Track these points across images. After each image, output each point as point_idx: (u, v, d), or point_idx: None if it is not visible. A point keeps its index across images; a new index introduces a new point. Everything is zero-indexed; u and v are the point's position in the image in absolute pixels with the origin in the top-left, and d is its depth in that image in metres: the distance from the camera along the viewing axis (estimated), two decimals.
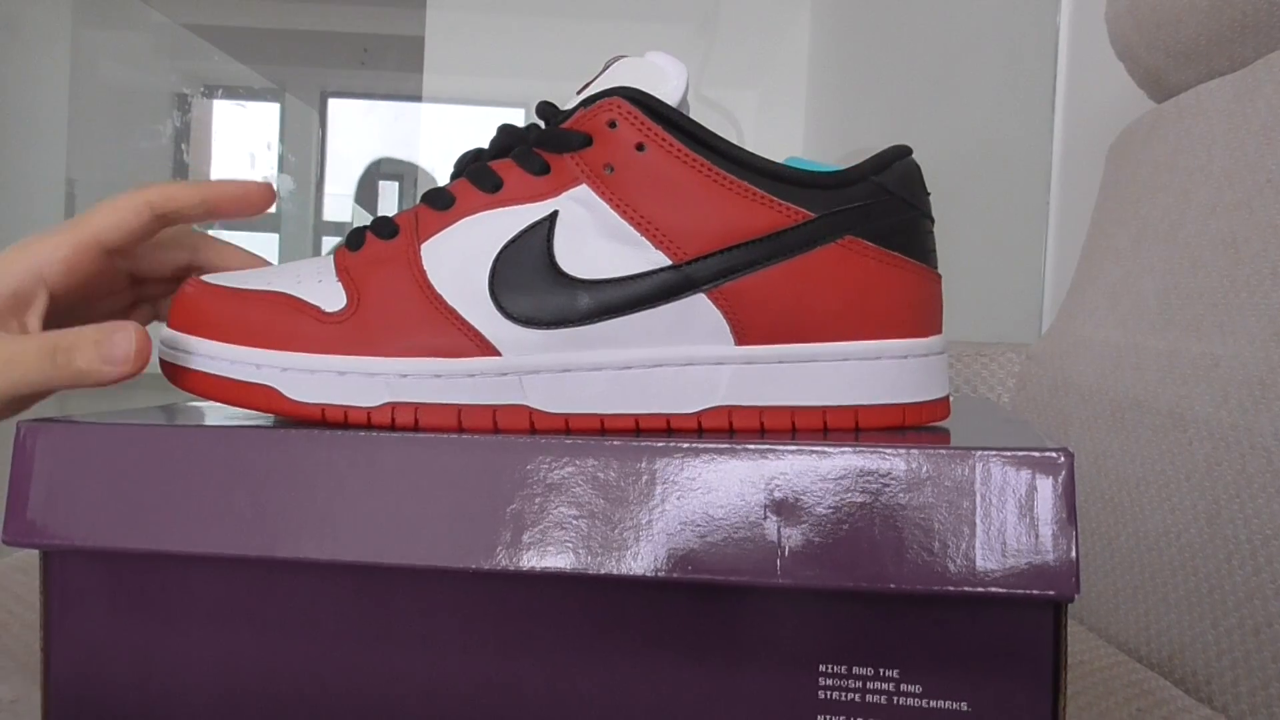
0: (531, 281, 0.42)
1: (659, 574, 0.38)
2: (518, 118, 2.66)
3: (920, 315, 0.44)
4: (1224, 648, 0.57)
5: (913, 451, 0.36)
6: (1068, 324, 0.91)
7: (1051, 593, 0.35)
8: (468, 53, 2.41)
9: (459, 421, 0.42)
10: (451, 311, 0.43)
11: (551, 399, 0.42)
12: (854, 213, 0.43)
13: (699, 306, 0.42)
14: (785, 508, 0.37)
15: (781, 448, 0.37)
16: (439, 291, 0.43)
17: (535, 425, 0.42)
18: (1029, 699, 0.37)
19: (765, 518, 0.37)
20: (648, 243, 0.42)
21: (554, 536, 0.39)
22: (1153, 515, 0.66)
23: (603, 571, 0.38)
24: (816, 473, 0.37)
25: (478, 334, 0.42)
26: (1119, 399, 0.73)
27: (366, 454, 0.40)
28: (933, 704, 0.37)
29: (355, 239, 0.46)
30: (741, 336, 0.42)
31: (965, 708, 0.37)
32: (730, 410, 0.43)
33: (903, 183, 0.44)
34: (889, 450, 0.37)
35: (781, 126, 2.20)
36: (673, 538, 0.38)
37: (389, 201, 3.32)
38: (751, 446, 0.38)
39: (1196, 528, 0.61)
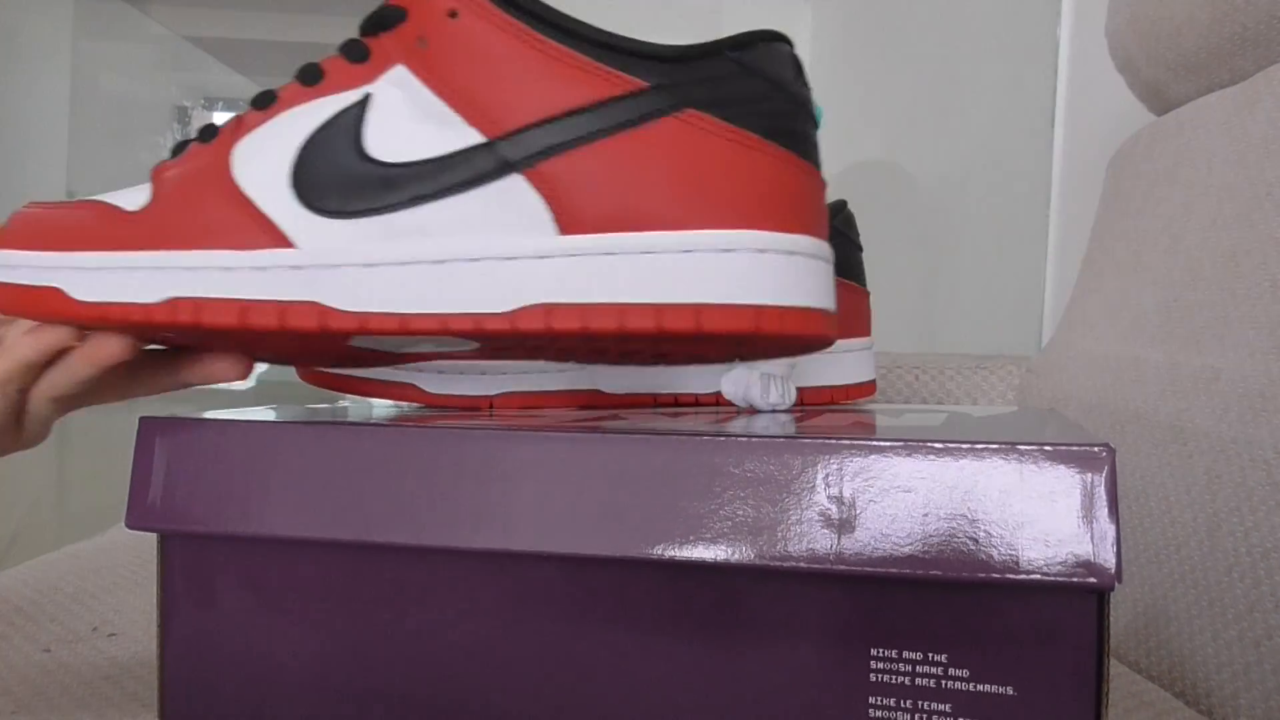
0: (337, 170, 0.40)
1: (720, 560, 0.38)
2: None
3: (783, 206, 0.39)
4: (1224, 660, 0.57)
5: (961, 446, 0.37)
6: (1068, 337, 0.91)
7: (1093, 580, 0.35)
8: None
9: (244, 319, 0.40)
10: (247, 202, 0.40)
11: (349, 297, 0.39)
12: (699, 85, 0.38)
13: (517, 189, 0.39)
14: (839, 499, 0.38)
15: (835, 441, 0.38)
16: (238, 184, 0.40)
17: (328, 325, 0.40)
18: (1073, 684, 0.37)
19: (820, 508, 0.38)
20: (460, 119, 0.39)
21: (626, 524, 0.39)
22: (1153, 528, 0.66)
23: (666, 556, 0.39)
24: (869, 467, 0.38)
25: (272, 226, 0.40)
26: (1119, 412, 0.73)
27: (453, 445, 0.41)
28: (980, 687, 0.38)
29: (180, 147, 0.43)
30: (565, 225, 0.38)
31: (1011, 691, 0.38)
32: (550, 309, 0.39)
33: (768, 63, 0.39)
34: (937, 444, 0.37)
35: None
36: (735, 526, 0.38)
37: None
38: (806, 440, 0.38)
39: (1196, 540, 0.61)
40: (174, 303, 0.39)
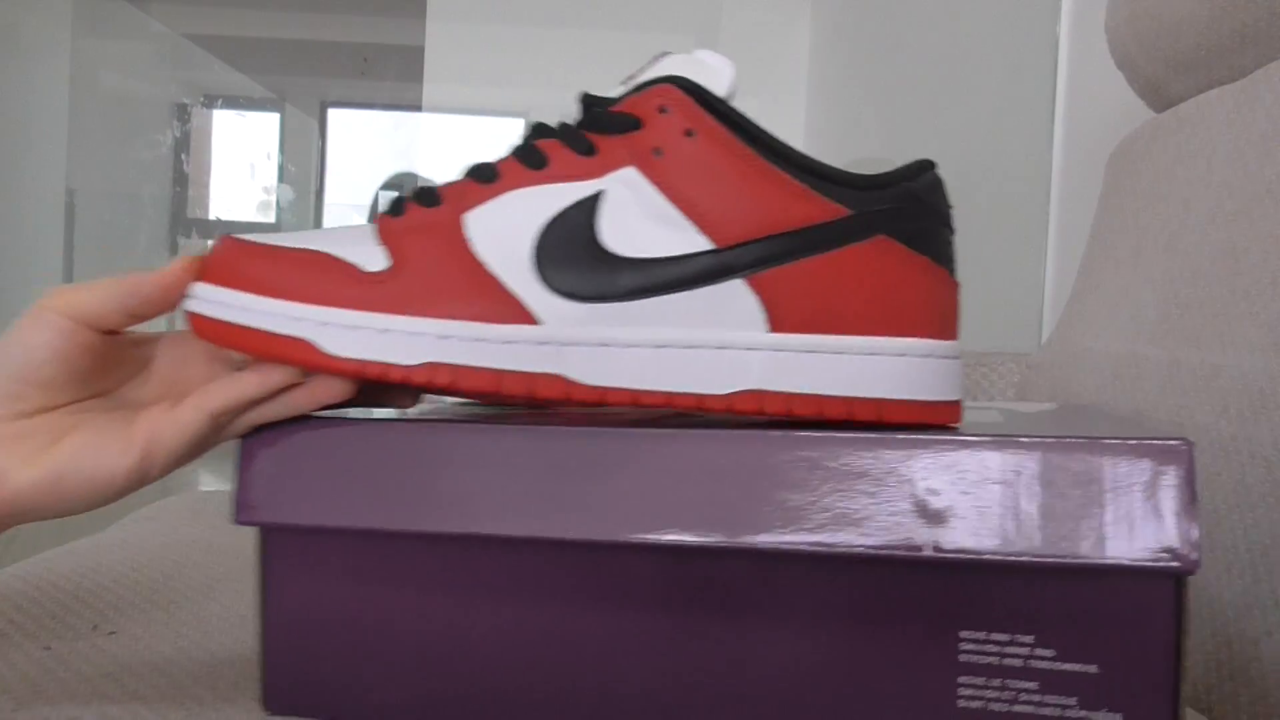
0: (575, 256, 0.44)
1: (821, 548, 0.41)
2: (517, 127, 2.66)
3: (941, 318, 0.45)
4: (1223, 658, 0.57)
5: (1048, 440, 0.40)
6: (1068, 334, 0.91)
7: (1176, 565, 0.38)
8: (467, 62, 2.41)
9: (497, 386, 0.44)
10: (493, 279, 0.44)
11: (588, 371, 0.44)
12: (887, 214, 0.44)
13: (737, 292, 0.44)
14: (932, 491, 0.41)
15: (927, 438, 0.41)
16: (481, 259, 0.44)
17: (571, 396, 0.44)
18: (1153, 663, 0.40)
19: (914, 500, 0.41)
20: (691, 226, 0.44)
21: (726, 516, 0.43)
22: None
23: (768, 546, 0.42)
24: (960, 462, 0.41)
25: (518, 303, 0.44)
26: (1119, 409, 0.73)
27: (551, 442, 0.45)
28: (1065, 667, 0.41)
29: (397, 207, 0.47)
30: (775, 324, 0.44)
31: (1094, 670, 0.41)
32: (760, 394, 0.44)
33: (930, 192, 0.46)
34: (1024, 439, 0.40)
35: (782, 136, 2.20)
36: (834, 517, 0.41)
37: None
38: (900, 436, 0.41)
39: None
40: (432, 367, 0.44)
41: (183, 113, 3.59)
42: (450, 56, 2.39)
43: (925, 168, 0.46)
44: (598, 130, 0.46)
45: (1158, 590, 0.40)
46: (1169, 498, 0.39)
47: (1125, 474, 0.39)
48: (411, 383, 0.44)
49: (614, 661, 0.46)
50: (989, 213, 1.42)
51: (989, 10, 1.48)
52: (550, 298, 0.44)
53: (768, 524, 0.42)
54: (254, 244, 0.46)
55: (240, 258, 0.45)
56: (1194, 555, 0.38)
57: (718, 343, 0.44)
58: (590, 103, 0.48)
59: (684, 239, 0.44)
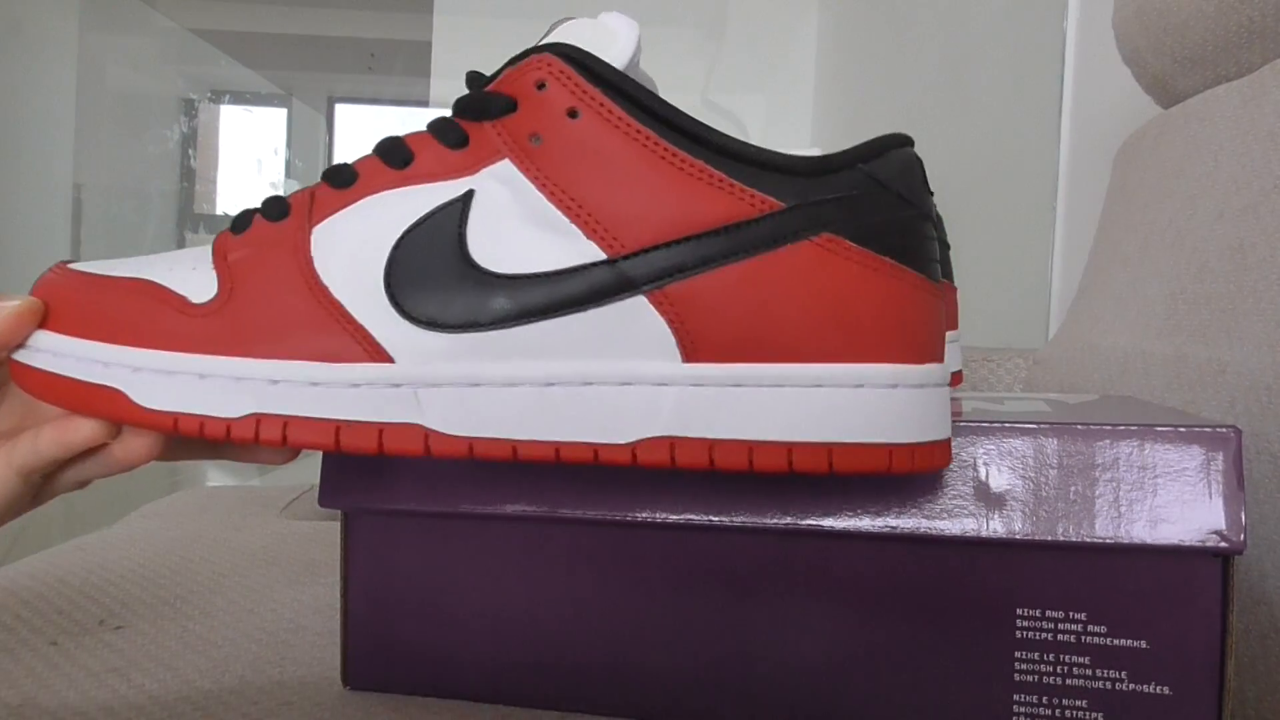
0: (437, 275, 0.36)
1: (886, 531, 0.43)
2: None
3: (915, 336, 0.36)
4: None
5: (1104, 428, 0.42)
6: (1074, 329, 0.91)
7: (1225, 545, 0.40)
8: (475, 57, 2.41)
9: (336, 440, 0.36)
10: (337, 307, 0.36)
11: (454, 419, 0.36)
12: (834, 205, 0.35)
13: (639, 312, 0.35)
14: (993, 476, 0.42)
15: (989, 424, 0.43)
16: (325, 283, 0.37)
17: (431, 449, 0.37)
18: (1201, 640, 0.42)
19: (976, 484, 0.42)
20: (578, 231, 0.35)
21: (796, 500, 0.44)
22: None
23: (835, 529, 0.43)
24: (1020, 448, 0.43)
25: (367, 336, 0.36)
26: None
27: None
28: (1116, 642, 0.43)
29: (242, 221, 0.39)
30: (691, 352, 0.35)
31: (1145, 645, 0.42)
32: (673, 442, 0.36)
33: (899, 175, 0.36)
34: (1079, 426, 0.42)
35: (789, 132, 2.21)
36: (898, 501, 0.43)
37: None
38: (962, 424, 0.43)
39: None
40: (258, 419, 0.36)
41: (190, 108, 3.59)
42: (457, 51, 2.38)
43: (893, 144, 0.36)
44: (470, 116, 0.38)
45: (1206, 570, 0.41)
46: (1218, 482, 0.41)
47: (1177, 460, 0.41)
48: (233, 439, 0.36)
49: (679, 636, 0.47)
50: (996, 208, 1.42)
51: (996, 5, 1.48)
52: (406, 328, 0.36)
53: (835, 508, 0.43)
54: (80, 273, 0.39)
55: (59, 290, 0.39)
56: (1241, 537, 0.40)
57: (619, 378, 0.36)
58: (473, 82, 0.39)
59: (569, 247, 0.35)
